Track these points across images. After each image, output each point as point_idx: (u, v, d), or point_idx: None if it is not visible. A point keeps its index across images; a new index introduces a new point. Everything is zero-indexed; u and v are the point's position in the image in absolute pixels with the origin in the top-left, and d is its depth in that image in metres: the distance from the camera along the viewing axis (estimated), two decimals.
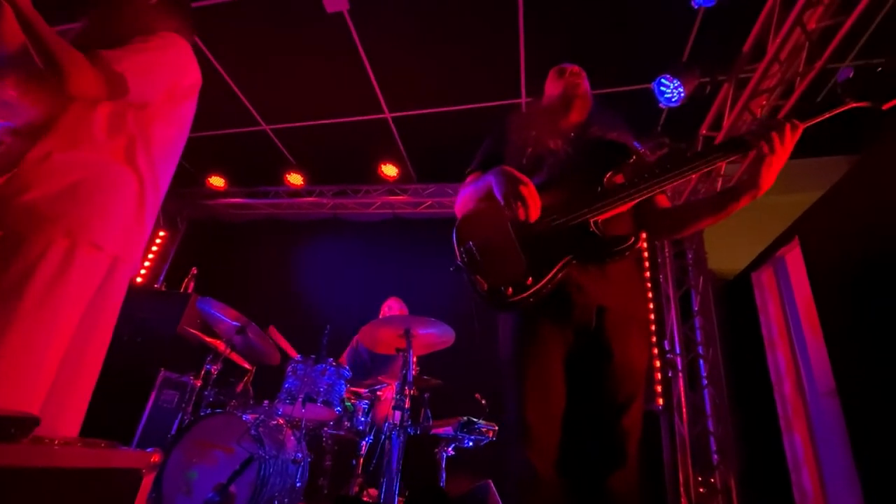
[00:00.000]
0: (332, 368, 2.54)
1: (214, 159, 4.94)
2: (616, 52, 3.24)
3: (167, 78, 1.36)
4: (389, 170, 4.64)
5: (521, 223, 1.20)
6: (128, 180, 1.27)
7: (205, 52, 3.52)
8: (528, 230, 1.23)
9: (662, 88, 3.07)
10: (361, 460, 2.68)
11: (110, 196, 1.23)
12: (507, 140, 1.49)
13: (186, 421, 2.44)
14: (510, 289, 1.17)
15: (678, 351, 3.88)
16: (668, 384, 3.85)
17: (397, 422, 2.34)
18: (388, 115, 4.03)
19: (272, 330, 2.85)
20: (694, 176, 1.35)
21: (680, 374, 3.80)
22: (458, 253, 1.33)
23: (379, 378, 2.90)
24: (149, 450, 0.94)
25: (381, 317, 3.41)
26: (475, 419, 2.69)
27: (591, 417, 1.19)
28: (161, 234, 5.42)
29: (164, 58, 1.35)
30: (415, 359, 2.77)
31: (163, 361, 3.15)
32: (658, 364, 3.90)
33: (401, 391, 2.33)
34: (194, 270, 4.00)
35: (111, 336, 1.30)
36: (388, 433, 2.52)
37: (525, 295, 1.17)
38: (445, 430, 2.70)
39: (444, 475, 2.71)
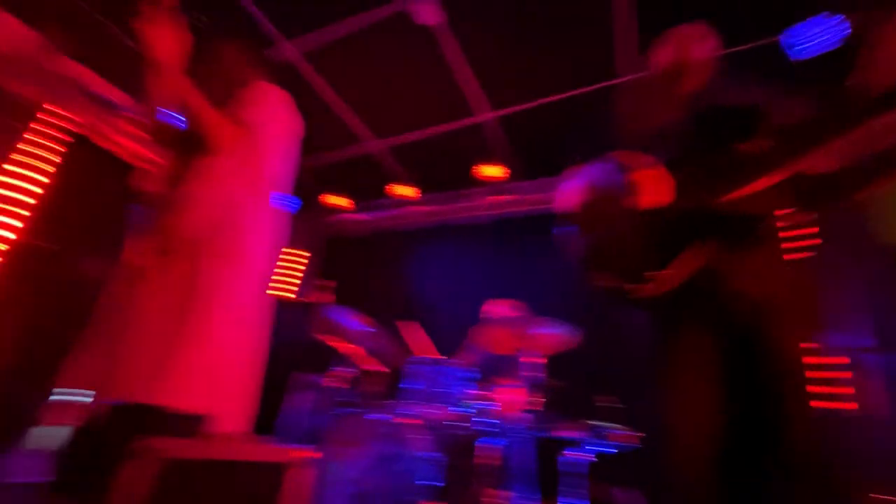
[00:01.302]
0: (452, 369, 2.59)
1: (338, 182, 5.43)
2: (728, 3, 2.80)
3: (282, 126, 1.63)
4: (494, 171, 4.63)
5: (643, 210, 1.07)
6: (258, 207, 1.51)
7: (321, 83, 3.88)
8: (652, 217, 1.09)
9: (798, 38, 2.57)
10: (491, 461, 2.67)
11: (248, 220, 1.46)
12: (616, 122, 1.37)
13: (325, 421, 2.69)
14: (636, 284, 1.05)
15: (862, 344, 3.19)
16: (849, 384, 3.17)
17: (523, 424, 2.30)
18: (489, 115, 4.02)
19: (414, 326, 3.00)
20: (855, 134, 1.08)
21: (866, 373, 3.11)
22: (566, 250, 1.24)
23: (499, 379, 2.88)
24: (298, 445, 1.03)
25: (492, 318, 3.39)
26: (607, 423, 2.52)
27: (747, 421, 1.01)
28: (298, 253, 6.11)
29: (280, 110, 1.63)
30: (536, 360, 2.69)
31: (306, 366, 3.52)
32: (831, 360, 3.24)
33: (524, 392, 2.28)
34: (329, 283, 4.42)
35: (269, 342, 1.51)
36: (514, 435, 2.48)
37: (657, 289, 1.04)
38: (575, 433, 2.57)
39: (580, 482, 2.57)
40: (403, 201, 5.36)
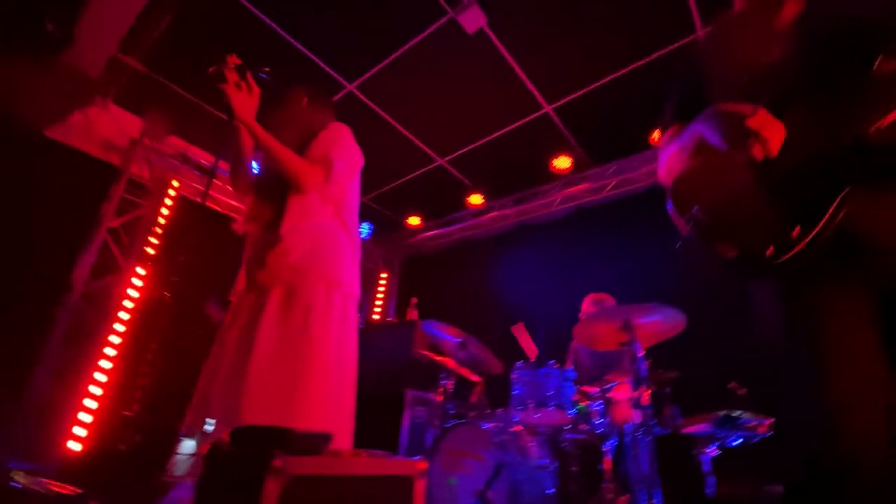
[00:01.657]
0: (556, 371, 2.49)
1: (408, 203, 5.58)
2: None
3: (351, 159, 1.76)
4: (562, 162, 4.48)
5: (760, 163, 0.94)
6: (342, 233, 1.64)
7: (378, 112, 4.04)
8: (773, 169, 0.94)
9: None
10: (609, 465, 2.52)
11: (336, 246, 1.60)
12: (703, 75, 1.22)
13: (437, 434, 2.71)
14: (771, 248, 0.91)
15: None
16: None
17: (639, 422, 2.14)
18: (547, 108, 3.92)
19: (520, 327, 2.98)
20: None
21: None
22: (680, 224, 1.11)
23: (607, 377, 2.72)
24: (415, 458, 1.04)
25: (591, 313, 3.23)
26: (736, 412, 2.26)
27: None
28: (383, 275, 6.34)
29: (346, 145, 1.76)
30: (642, 351, 2.51)
31: (407, 382, 3.60)
32: None
33: (636, 388, 2.13)
34: (414, 300, 4.53)
35: (357, 358, 1.58)
36: (632, 435, 2.31)
37: (795, 251, 0.89)
38: (700, 427, 2.34)
39: (711, 479, 2.33)
40: (477, 210, 5.36)
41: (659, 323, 2.30)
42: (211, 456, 0.87)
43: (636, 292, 3.01)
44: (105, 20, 3.18)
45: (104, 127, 4.06)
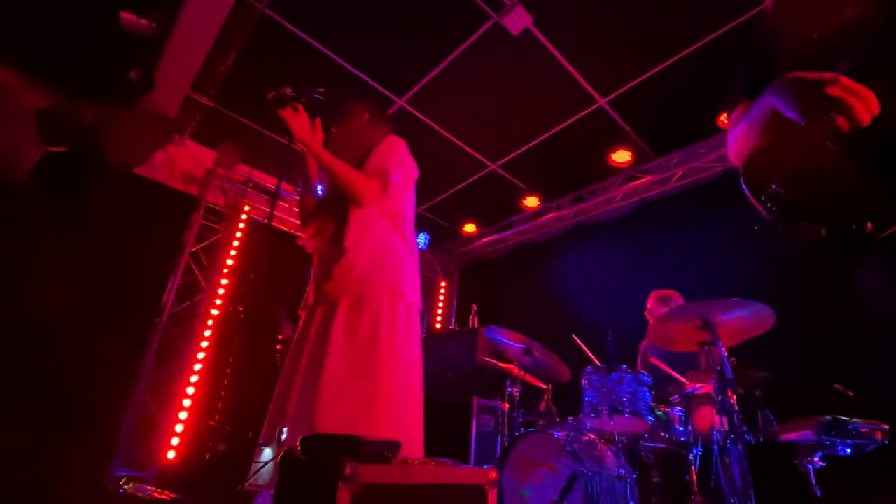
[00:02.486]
0: (629, 376, 2.35)
1: (463, 210, 5.59)
2: None
3: (406, 172, 1.80)
4: (622, 156, 4.29)
5: (845, 133, 0.83)
6: (401, 244, 1.67)
7: (429, 123, 4.09)
8: (860, 139, 0.83)
9: None
10: (695, 476, 2.33)
11: (397, 257, 1.63)
12: (772, 47, 1.11)
13: (506, 442, 2.64)
14: (869, 223, 0.80)
15: None
16: None
17: (727, 428, 1.95)
18: (601, 101, 3.77)
19: (574, 339, 2.89)
20: None
21: None
22: (759, 205, 1.00)
23: (686, 381, 2.53)
24: (485, 467, 1.00)
25: (665, 312, 3.03)
26: (845, 417, 2.01)
27: None
28: (443, 284, 6.38)
29: (402, 158, 1.79)
30: (726, 351, 2.31)
31: (473, 390, 3.57)
32: None
33: (721, 391, 1.95)
34: (474, 307, 4.50)
35: (422, 366, 1.58)
36: (720, 443, 2.12)
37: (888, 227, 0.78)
38: (802, 434, 2.09)
39: (816, 492, 2.08)
40: (534, 212, 5.26)
41: (743, 319, 2.10)
42: (284, 464, 0.89)
43: (710, 288, 2.79)
44: (179, 64, 3.50)
45: (183, 161, 4.45)
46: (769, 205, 0.97)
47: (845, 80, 0.81)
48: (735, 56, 1.27)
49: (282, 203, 5.13)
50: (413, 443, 1.45)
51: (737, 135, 1.11)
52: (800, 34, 1.05)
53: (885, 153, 0.82)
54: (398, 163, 1.76)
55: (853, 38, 0.95)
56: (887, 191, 0.80)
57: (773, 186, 0.96)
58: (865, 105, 0.79)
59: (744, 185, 1.04)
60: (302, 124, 1.66)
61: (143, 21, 2.75)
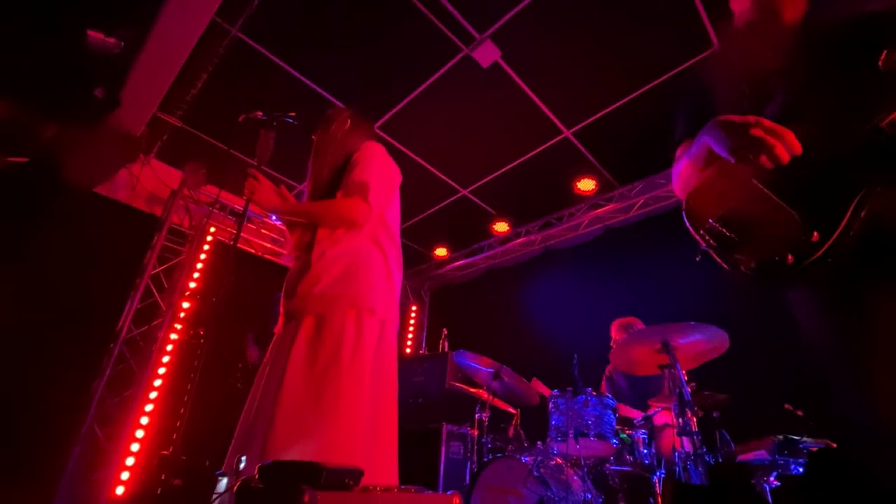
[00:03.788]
0: (594, 399, 2.39)
1: (434, 234, 5.63)
2: None
3: (387, 177, 1.76)
4: (586, 184, 4.46)
5: (770, 171, 0.92)
6: (376, 256, 1.59)
7: (400, 148, 4.16)
8: (784, 176, 0.92)
9: None
10: (660, 499, 2.36)
11: (370, 270, 1.54)
12: (709, 90, 1.22)
13: (474, 469, 2.62)
14: (790, 256, 0.88)
15: None
16: None
17: (689, 450, 2.01)
18: (566, 132, 3.93)
19: (535, 382, 2.91)
20: None
21: None
22: (698, 237, 1.09)
23: (650, 403, 2.59)
24: (448, 493, 1.00)
25: (626, 337, 3.11)
26: (796, 437, 2.10)
27: None
28: (413, 308, 6.34)
29: (381, 163, 1.75)
30: (685, 374, 2.39)
31: (442, 416, 3.53)
32: None
33: (681, 414, 2.01)
34: (445, 331, 4.49)
35: (397, 387, 1.53)
36: (682, 464, 2.17)
37: (817, 255, 0.86)
38: (757, 454, 2.17)
39: None
40: (503, 237, 5.36)
41: (700, 342, 2.19)
42: (241, 494, 0.87)
43: (672, 312, 2.89)
44: (147, 83, 3.45)
45: (147, 180, 4.33)
46: (707, 238, 1.05)
47: (767, 122, 0.89)
48: (679, 96, 1.38)
49: (249, 225, 5.03)
50: (381, 469, 1.38)
51: (679, 170, 1.21)
52: (735, 76, 1.15)
53: (803, 187, 0.91)
54: (377, 169, 1.71)
55: (781, 80, 1.05)
56: (803, 223, 0.87)
57: (711, 221, 1.05)
58: (785, 144, 0.87)
59: (685, 220, 1.12)
60: (266, 193, 1.66)
61: (110, 40, 2.73)
